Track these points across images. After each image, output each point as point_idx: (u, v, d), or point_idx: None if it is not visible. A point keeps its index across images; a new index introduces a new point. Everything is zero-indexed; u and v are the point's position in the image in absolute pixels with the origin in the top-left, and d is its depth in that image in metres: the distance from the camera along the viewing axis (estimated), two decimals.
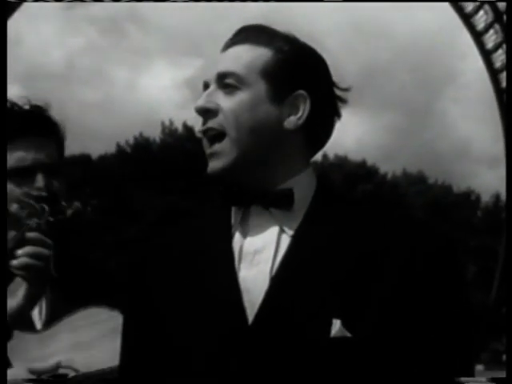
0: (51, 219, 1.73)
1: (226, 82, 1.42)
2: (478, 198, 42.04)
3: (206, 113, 1.42)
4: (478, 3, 27.39)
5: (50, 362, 1.76)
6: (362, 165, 39.93)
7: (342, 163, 38.65)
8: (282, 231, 1.39)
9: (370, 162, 40.83)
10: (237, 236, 1.41)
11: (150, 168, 34.22)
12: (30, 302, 1.68)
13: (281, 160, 1.43)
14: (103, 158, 37.08)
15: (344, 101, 1.49)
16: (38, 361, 1.77)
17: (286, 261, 1.36)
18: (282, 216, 1.40)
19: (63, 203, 1.84)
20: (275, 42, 1.45)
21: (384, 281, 1.30)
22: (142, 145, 37.11)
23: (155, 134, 37.55)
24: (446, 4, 27.92)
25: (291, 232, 1.38)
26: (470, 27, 28.01)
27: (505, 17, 27.47)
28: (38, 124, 1.98)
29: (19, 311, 1.67)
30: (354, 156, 40.83)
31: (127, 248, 1.69)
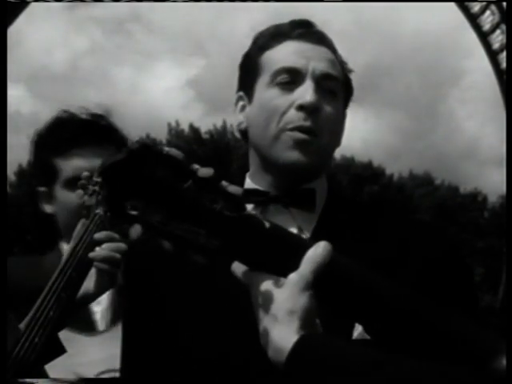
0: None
1: (330, 85, 1.41)
2: (485, 198, 41.86)
3: (314, 111, 1.38)
4: (484, 4, 27.40)
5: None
6: (368, 166, 39.83)
7: (347, 164, 38.57)
8: (300, 232, 1.38)
9: (375, 163, 40.71)
10: None
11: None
12: (97, 293, 1.67)
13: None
14: None
15: None
16: (99, 363, 1.76)
17: None
18: (301, 216, 1.39)
19: None
20: (340, 61, 1.48)
21: (400, 284, 1.28)
22: None
23: (160, 135, 37.52)
24: (452, 4, 27.95)
25: (308, 234, 1.38)
26: (477, 28, 28.05)
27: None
28: (94, 133, 2.01)
29: (83, 301, 1.67)
30: (360, 157, 40.70)
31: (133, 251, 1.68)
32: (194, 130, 37.10)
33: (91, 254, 1.64)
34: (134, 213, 1.00)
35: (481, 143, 66.91)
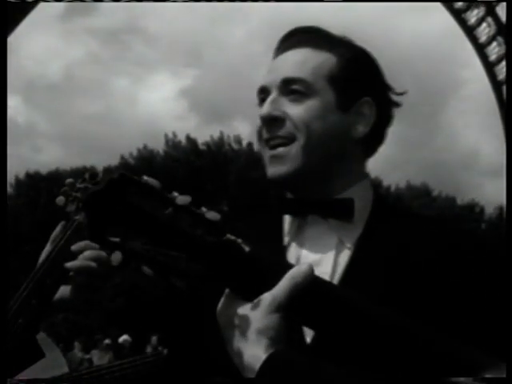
0: None
1: (293, 88, 1.37)
2: (482, 210, 41.89)
3: (273, 121, 1.37)
4: (480, 16, 27.53)
5: None
6: None
7: None
8: (340, 243, 1.35)
9: (373, 173, 40.64)
10: (293, 246, 1.38)
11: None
12: (72, 301, 1.62)
13: (343, 170, 1.40)
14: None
15: (399, 105, 1.47)
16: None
17: (346, 278, 1.31)
18: (340, 227, 1.36)
19: None
20: (336, 47, 1.42)
21: (447, 299, 1.26)
22: (145, 157, 37.10)
23: (157, 145, 37.56)
24: (449, 15, 28.04)
25: (349, 245, 1.34)
26: (473, 39, 28.13)
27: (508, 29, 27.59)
28: None
29: (57, 308, 1.63)
30: None
31: None
32: (191, 141, 37.10)
33: (67, 265, 1.59)
34: (115, 239, 1.01)
35: (478, 154, 67.10)
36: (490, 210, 41.28)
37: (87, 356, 13.20)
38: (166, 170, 34.84)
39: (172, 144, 37.33)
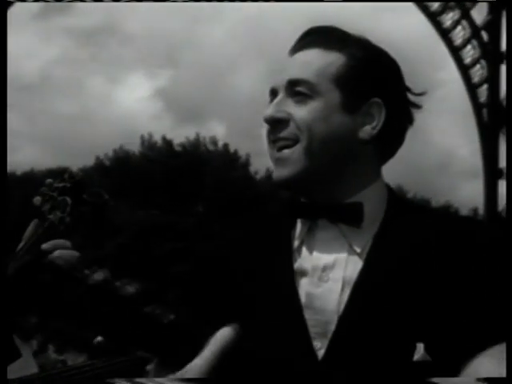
0: (74, 212, 1.66)
1: (297, 89, 1.36)
2: (457, 212, 42.20)
3: (277, 123, 1.36)
4: (455, 19, 27.78)
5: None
6: None
7: None
8: (351, 248, 1.33)
9: None
10: (304, 250, 1.37)
11: (130, 181, 34.09)
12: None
13: (351, 172, 1.37)
14: (82, 171, 36.77)
15: (418, 106, 1.45)
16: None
17: (359, 283, 1.30)
18: (351, 232, 1.34)
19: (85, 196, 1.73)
20: (347, 47, 1.39)
21: (466, 306, 1.23)
22: (121, 158, 36.94)
23: (133, 146, 37.43)
24: (424, 18, 28.25)
25: (359, 249, 1.33)
26: (448, 42, 28.37)
27: (482, 32, 27.99)
28: None
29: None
30: None
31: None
32: (167, 142, 37.00)
33: (51, 256, 1.58)
34: (32, 321, 1.03)
35: (453, 156, 67.61)
36: (464, 211, 41.61)
37: (61, 357, 13.12)
38: (141, 170, 34.73)
39: (148, 145, 37.21)
